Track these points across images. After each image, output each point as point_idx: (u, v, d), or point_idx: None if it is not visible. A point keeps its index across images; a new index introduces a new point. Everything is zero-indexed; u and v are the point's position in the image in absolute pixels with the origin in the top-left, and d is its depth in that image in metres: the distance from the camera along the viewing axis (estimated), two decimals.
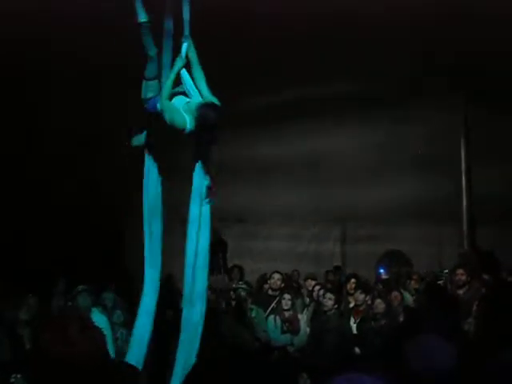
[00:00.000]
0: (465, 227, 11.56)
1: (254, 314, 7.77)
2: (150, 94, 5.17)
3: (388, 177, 12.06)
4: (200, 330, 4.97)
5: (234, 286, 8.76)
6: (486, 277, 8.00)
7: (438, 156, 11.60)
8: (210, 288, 9.59)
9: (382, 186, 12.03)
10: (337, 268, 10.27)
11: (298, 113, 11.53)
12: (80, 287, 7.03)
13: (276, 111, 11.43)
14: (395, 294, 7.90)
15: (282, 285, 8.27)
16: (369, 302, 7.78)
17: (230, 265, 10.93)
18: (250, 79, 9.63)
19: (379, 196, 12.02)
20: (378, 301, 7.55)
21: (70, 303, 7.20)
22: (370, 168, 12.10)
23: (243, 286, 8.29)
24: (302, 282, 9.40)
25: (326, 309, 7.81)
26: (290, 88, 10.83)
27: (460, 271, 7.58)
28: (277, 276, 8.32)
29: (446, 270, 8.56)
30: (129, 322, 7.53)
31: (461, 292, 7.44)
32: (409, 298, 8.14)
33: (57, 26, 8.10)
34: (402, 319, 7.39)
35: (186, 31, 5.14)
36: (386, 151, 12.05)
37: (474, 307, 7.24)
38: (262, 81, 9.88)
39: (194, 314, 5.00)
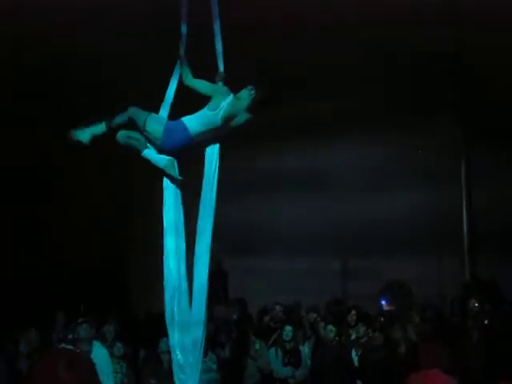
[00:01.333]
0: (466, 256, 11.53)
1: (257, 347, 7.76)
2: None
3: (388, 201, 12.05)
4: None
5: (234, 317, 8.75)
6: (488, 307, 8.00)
7: (439, 182, 11.61)
8: (211, 319, 9.67)
9: (382, 212, 12.01)
10: (338, 300, 10.24)
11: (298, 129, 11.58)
12: (81, 319, 7.02)
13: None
14: (396, 326, 7.88)
15: (284, 317, 8.27)
16: (370, 335, 7.76)
17: (230, 296, 10.90)
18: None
19: (379, 224, 12.00)
20: (377, 334, 7.54)
21: (70, 336, 7.17)
22: (370, 190, 12.09)
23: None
24: (303, 313, 9.37)
25: (327, 341, 7.80)
26: (291, 103, 10.90)
27: (473, 301, 7.63)
28: (278, 308, 8.33)
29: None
30: (129, 355, 7.54)
31: (471, 322, 7.47)
32: (411, 330, 8.10)
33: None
34: (403, 352, 7.37)
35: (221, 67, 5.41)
36: (386, 172, 12.04)
37: (476, 337, 7.25)
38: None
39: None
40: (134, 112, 5.18)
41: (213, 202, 5.26)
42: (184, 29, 5.43)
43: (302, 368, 7.76)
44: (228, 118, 5.21)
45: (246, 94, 5.27)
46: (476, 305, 7.57)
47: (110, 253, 11.54)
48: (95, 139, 5.22)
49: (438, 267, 11.90)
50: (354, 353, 7.84)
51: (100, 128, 5.21)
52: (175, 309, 5.12)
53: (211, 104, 5.21)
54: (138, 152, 5.24)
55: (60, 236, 11.03)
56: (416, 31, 9.10)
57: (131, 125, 5.24)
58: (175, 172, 5.25)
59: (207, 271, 5.19)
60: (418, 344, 7.35)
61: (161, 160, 5.21)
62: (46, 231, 10.98)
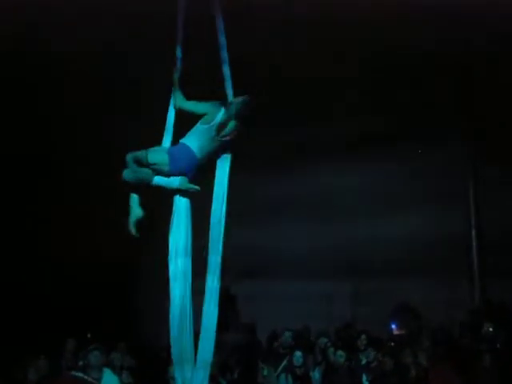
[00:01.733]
0: (476, 278, 11.47)
1: (265, 373, 7.71)
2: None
3: (397, 225, 12.03)
4: None
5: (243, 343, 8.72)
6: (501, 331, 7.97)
7: (448, 202, 11.59)
8: (220, 344, 9.63)
9: (391, 235, 11.98)
10: (348, 325, 10.18)
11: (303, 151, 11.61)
12: (92, 346, 7.00)
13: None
14: (407, 351, 7.84)
15: (293, 342, 8.22)
16: (380, 359, 7.72)
17: (239, 321, 10.87)
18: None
19: (389, 247, 11.97)
20: (387, 358, 7.50)
21: (81, 362, 7.16)
22: (379, 213, 12.08)
23: None
24: (312, 338, 9.31)
25: (337, 366, 7.74)
26: (301, 125, 10.94)
27: (488, 325, 7.60)
28: (287, 334, 8.28)
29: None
30: (137, 382, 7.52)
31: (483, 346, 7.43)
32: (421, 355, 8.05)
33: None
34: (414, 376, 7.32)
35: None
36: (395, 193, 12.03)
37: (489, 360, 7.20)
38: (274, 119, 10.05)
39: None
40: (132, 157, 5.21)
41: (222, 230, 5.27)
42: (179, 53, 5.45)
43: None
44: (220, 127, 5.26)
45: (236, 102, 5.31)
46: (490, 329, 7.52)
47: (117, 277, 11.55)
48: None
49: (447, 290, 11.85)
50: (364, 378, 7.78)
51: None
52: (181, 344, 5.05)
53: (205, 118, 5.28)
54: (148, 183, 5.27)
55: (67, 259, 11.05)
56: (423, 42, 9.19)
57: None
58: (192, 186, 5.27)
59: (216, 314, 5.16)
60: (429, 368, 7.32)
61: (173, 181, 5.25)
62: (53, 257, 10.99)
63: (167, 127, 5.49)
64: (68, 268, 11.07)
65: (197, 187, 5.25)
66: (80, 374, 6.48)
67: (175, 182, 5.25)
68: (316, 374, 8.02)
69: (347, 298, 12.77)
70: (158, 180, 5.27)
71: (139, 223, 5.29)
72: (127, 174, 5.24)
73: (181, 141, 5.31)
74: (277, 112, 9.96)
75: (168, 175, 5.27)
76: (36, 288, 10.57)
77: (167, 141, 5.43)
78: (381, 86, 10.07)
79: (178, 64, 5.47)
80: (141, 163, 5.18)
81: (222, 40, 5.35)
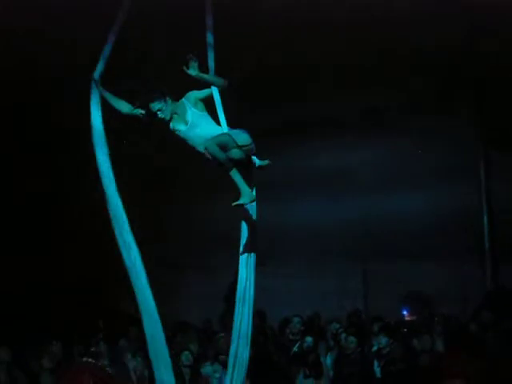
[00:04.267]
0: (488, 264, 11.41)
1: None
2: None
3: (409, 205, 11.95)
4: None
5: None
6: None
7: (457, 183, 11.51)
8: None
9: (403, 217, 11.91)
10: (358, 311, 10.18)
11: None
12: (102, 333, 7.05)
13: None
14: (419, 337, 7.83)
15: (302, 328, 8.24)
16: (392, 345, 7.71)
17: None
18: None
19: (400, 230, 11.91)
20: (396, 344, 7.51)
21: (92, 349, 7.23)
22: (390, 191, 12.02)
23: None
24: (323, 324, 9.33)
25: (349, 352, 7.76)
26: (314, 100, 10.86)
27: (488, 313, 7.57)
28: (296, 320, 8.31)
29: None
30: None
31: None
32: (432, 341, 8.04)
33: None
34: (426, 363, 7.31)
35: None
36: (406, 174, 11.93)
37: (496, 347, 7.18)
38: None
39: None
40: (214, 144, 4.97)
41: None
42: (210, 39, 5.24)
43: (323, 380, 7.71)
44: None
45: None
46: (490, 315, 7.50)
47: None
48: None
49: (459, 274, 11.81)
50: (376, 364, 7.79)
51: None
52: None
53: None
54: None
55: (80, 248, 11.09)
56: (426, 26, 9.10)
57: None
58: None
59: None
60: (442, 354, 7.31)
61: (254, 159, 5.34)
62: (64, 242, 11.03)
63: (219, 112, 5.26)
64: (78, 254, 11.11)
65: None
66: (93, 361, 6.53)
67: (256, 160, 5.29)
68: (328, 360, 8.04)
69: (359, 283, 12.76)
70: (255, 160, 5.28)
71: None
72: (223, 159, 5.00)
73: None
74: (288, 85, 9.91)
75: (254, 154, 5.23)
76: (47, 277, 10.63)
77: (224, 125, 5.25)
78: (394, 61, 10.00)
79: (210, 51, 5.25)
80: (227, 148, 4.98)
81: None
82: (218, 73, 5.25)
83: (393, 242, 11.98)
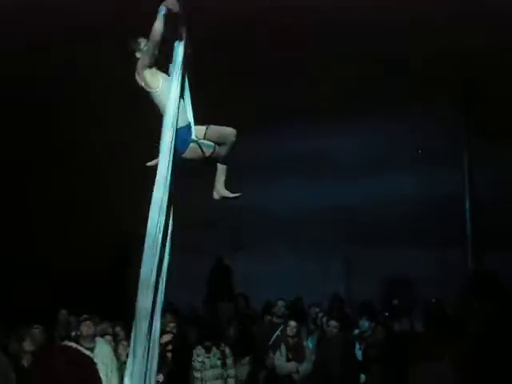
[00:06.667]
0: (469, 246, 11.46)
1: None
2: None
3: (390, 190, 12.00)
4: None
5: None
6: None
7: (440, 169, 11.54)
8: (217, 315, 9.67)
9: (383, 201, 11.95)
10: (337, 295, 10.24)
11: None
12: (84, 316, 7.00)
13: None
14: (400, 320, 7.90)
15: (286, 312, 8.27)
16: (374, 329, 7.77)
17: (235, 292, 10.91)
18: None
19: (381, 215, 11.97)
20: (380, 328, 7.56)
21: (73, 333, 7.18)
22: (371, 177, 12.04)
23: None
24: (306, 308, 9.37)
25: (330, 336, 7.80)
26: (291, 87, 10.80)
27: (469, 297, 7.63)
28: (280, 303, 8.34)
29: None
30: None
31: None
32: (411, 323, 8.11)
33: None
34: (407, 345, 7.37)
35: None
36: (387, 160, 11.94)
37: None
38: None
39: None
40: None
41: None
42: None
43: (306, 363, 7.76)
44: None
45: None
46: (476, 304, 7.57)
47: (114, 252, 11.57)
48: None
49: (440, 258, 11.90)
50: (357, 347, 7.84)
51: None
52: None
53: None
54: None
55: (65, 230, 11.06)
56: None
57: None
58: None
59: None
60: (423, 336, 7.37)
61: None
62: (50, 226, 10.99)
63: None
64: (65, 239, 11.07)
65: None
66: (73, 344, 6.51)
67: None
68: (310, 344, 8.08)
69: (342, 267, 12.83)
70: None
71: None
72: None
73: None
74: (276, 71, 9.85)
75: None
76: (31, 258, 10.59)
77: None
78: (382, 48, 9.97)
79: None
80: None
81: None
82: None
83: (377, 226, 12.06)
